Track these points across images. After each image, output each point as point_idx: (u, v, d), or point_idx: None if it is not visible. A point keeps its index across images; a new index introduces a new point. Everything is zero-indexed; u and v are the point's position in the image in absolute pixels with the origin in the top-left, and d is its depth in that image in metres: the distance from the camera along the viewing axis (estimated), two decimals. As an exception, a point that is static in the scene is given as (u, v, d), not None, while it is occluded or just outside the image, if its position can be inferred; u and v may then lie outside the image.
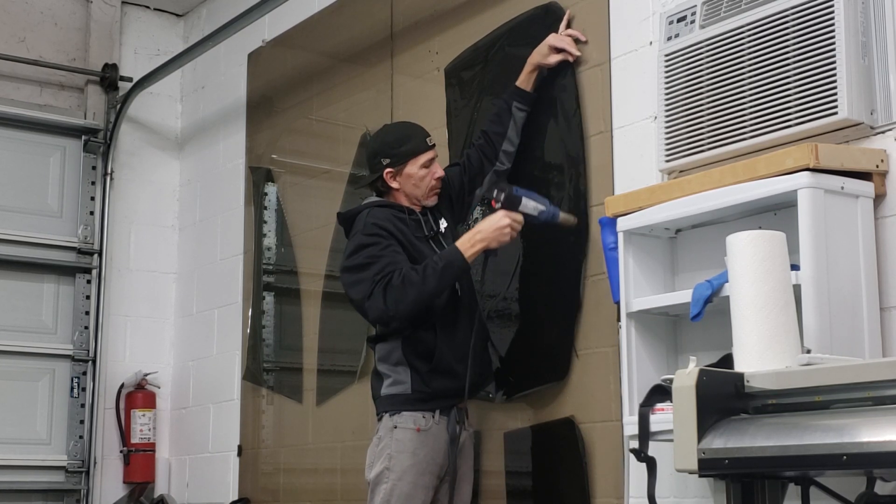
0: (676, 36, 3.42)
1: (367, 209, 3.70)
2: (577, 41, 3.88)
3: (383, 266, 3.53)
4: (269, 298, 5.47)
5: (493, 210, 3.63)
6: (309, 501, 5.06)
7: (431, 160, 3.75)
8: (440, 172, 3.78)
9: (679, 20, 3.43)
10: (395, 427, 3.60)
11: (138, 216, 6.19)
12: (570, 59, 3.88)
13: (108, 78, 6.09)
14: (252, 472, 5.43)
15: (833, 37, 2.98)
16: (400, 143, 3.74)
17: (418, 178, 3.72)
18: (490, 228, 3.55)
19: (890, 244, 2.97)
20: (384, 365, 3.67)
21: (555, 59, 3.88)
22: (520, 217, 3.60)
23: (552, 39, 3.88)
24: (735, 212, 3.12)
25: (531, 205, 3.62)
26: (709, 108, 3.28)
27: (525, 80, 3.91)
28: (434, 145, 3.79)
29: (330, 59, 5.21)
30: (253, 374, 5.47)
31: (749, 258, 2.63)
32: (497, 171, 3.93)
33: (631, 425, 3.11)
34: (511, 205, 3.60)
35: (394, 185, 3.72)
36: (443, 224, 3.78)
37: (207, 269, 5.95)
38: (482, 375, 3.79)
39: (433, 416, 3.61)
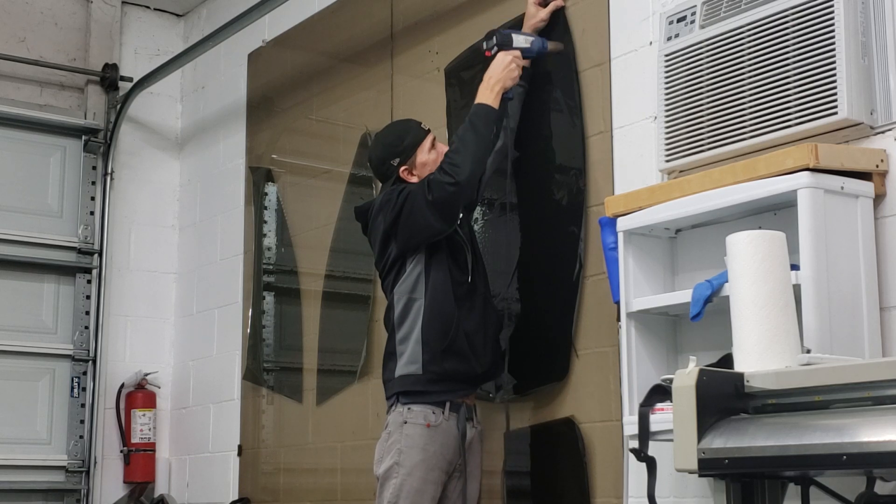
0: (676, 36, 3.42)
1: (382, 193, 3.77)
2: None
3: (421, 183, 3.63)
4: (269, 298, 5.47)
5: (489, 62, 3.76)
6: (309, 501, 5.06)
7: (433, 142, 3.81)
8: (446, 148, 3.80)
9: (679, 20, 3.43)
10: (406, 422, 3.61)
11: (138, 216, 6.19)
12: (560, 3, 3.92)
13: (109, 78, 6.09)
14: (252, 472, 5.43)
15: (833, 37, 2.98)
16: (400, 139, 3.79)
17: (432, 162, 3.76)
18: (499, 70, 3.71)
19: (890, 244, 2.97)
20: (403, 345, 3.69)
21: (545, 12, 3.92)
22: (518, 52, 3.75)
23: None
24: (735, 212, 3.12)
25: (521, 38, 3.79)
26: (709, 108, 3.28)
27: None
28: (429, 129, 3.84)
29: (330, 59, 5.21)
30: (253, 374, 5.47)
31: (749, 258, 2.63)
32: (495, 149, 3.93)
33: (631, 425, 3.11)
34: (506, 43, 3.75)
35: (412, 179, 3.76)
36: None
37: (207, 269, 5.95)
38: (494, 366, 3.79)
39: (443, 412, 3.62)
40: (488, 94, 3.69)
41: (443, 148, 3.80)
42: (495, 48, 3.77)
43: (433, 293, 3.66)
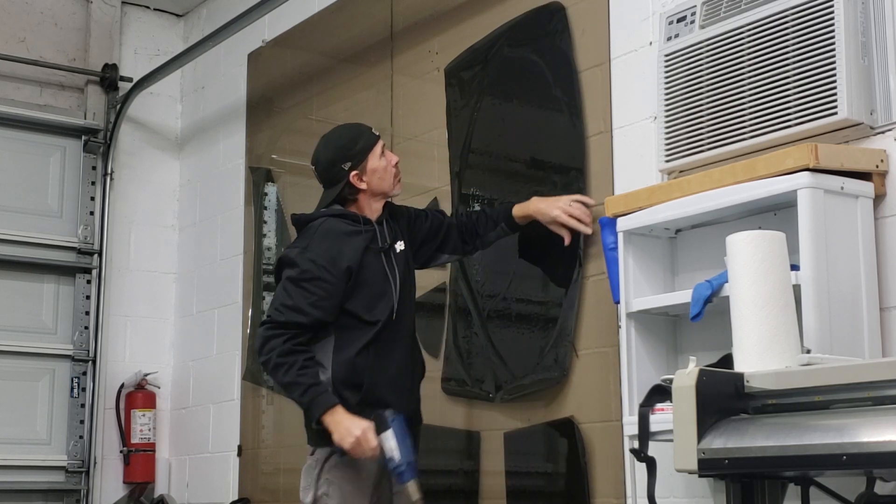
0: (676, 36, 3.42)
1: (322, 218, 3.60)
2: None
3: (296, 306, 3.46)
4: (269, 298, 5.46)
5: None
6: (309, 501, 5.06)
7: (383, 148, 3.69)
8: (395, 157, 3.71)
9: (679, 20, 3.43)
10: (332, 452, 3.47)
11: (138, 216, 6.19)
12: (586, 232, 3.71)
13: (108, 78, 6.09)
14: (252, 472, 5.43)
15: (833, 37, 2.98)
16: (353, 143, 3.64)
17: (382, 170, 3.64)
18: (345, 427, 3.38)
19: (890, 244, 2.97)
20: None
21: (556, 228, 3.74)
22: (372, 444, 3.37)
23: (561, 216, 3.69)
24: (735, 212, 3.12)
25: (389, 445, 3.37)
26: (709, 108, 3.28)
27: (521, 214, 3.80)
28: (379, 134, 3.72)
29: (330, 59, 5.21)
30: (253, 374, 5.47)
31: (749, 258, 2.63)
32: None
33: (631, 425, 3.11)
34: (378, 427, 3.39)
35: (362, 185, 3.62)
36: (399, 246, 3.66)
37: (207, 269, 5.95)
38: (416, 413, 3.66)
39: None
40: (328, 417, 3.38)
41: (391, 157, 3.69)
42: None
43: (344, 336, 3.52)
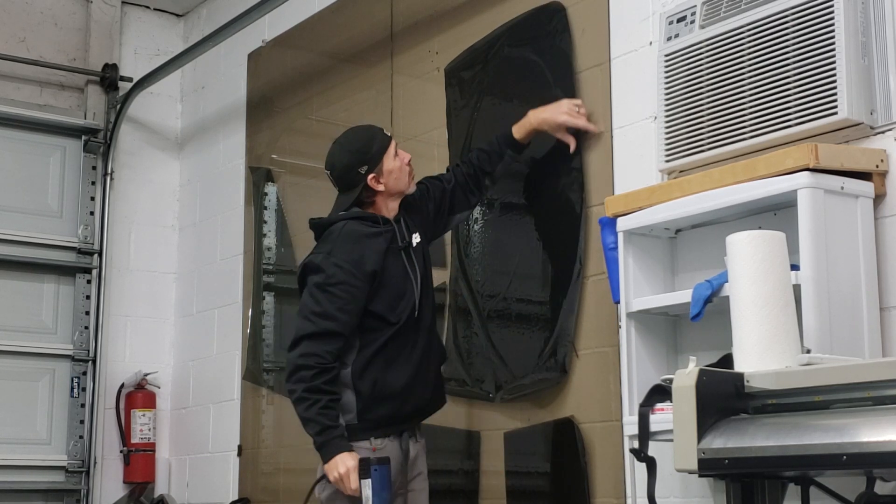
0: (676, 36, 3.42)
1: (342, 222, 3.61)
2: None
3: (326, 312, 3.47)
4: (269, 298, 5.47)
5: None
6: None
7: (396, 148, 3.69)
8: (408, 155, 3.71)
9: (679, 20, 3.43)
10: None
11: (138, 216, 6.19)
12: (593, 130, 3.82)
13: (108, 78, 6.09)
14: (252, 472, 5.43)
15: (833, 37, 2.98)
16: (368, 146, 3.64)
17: (398, 170, 3.65)
18: (336, 460, 3.41)
19: (890, 244, 2.97)
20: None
21: (563, 135, 3.81)
22: (353, 485, 3.39)
23: (569, 120, 3.79)
24: (735, 212, 3.12)
25: (366, 493, 3.39)
26: (709, 108, 3.28)
27: (523, 133, 3.85)
28: (391, 134, 3.73)
29: (330, 59, 5.21)
30: (253, 374, 5.47)
31: (749, 258, 2.63)
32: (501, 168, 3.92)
33: (631, 425, 3.11)
34: (361, 472, 3.41)
35: (379, 187, 3.62)
36: (415, 238, 3.68)
37: (207, 269, 5.96)
38: (433, 401, 3.69)
39: (386, 437, 3.52)
40: (328, 451, 3.42)
41: (404, 155, 3.68)
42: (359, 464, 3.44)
43: (367, 337, 3.54)
